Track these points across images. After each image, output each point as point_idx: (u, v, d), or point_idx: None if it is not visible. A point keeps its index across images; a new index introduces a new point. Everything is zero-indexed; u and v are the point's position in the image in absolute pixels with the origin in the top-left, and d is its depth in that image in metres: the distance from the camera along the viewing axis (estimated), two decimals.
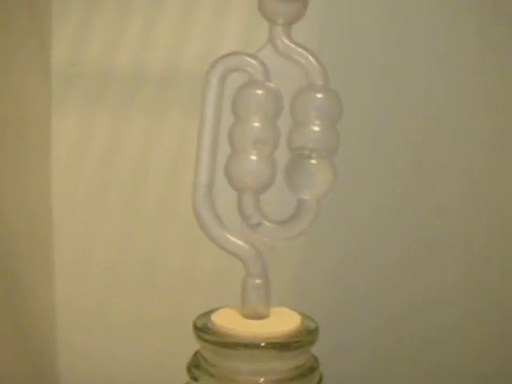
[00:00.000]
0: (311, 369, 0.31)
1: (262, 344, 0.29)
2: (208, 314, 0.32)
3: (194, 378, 0.30)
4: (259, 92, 0.30)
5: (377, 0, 0.48)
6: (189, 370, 0.31)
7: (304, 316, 0.32)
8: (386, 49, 0.48)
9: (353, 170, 0.46)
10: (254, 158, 0.30)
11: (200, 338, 0.30)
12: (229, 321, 0.30)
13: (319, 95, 0.30)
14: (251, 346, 0.29)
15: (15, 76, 0.44)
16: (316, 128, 0.30)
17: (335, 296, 0.49)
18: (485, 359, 0.51)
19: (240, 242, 0.31)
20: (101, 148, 0.49)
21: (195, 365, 0.31)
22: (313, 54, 0.31)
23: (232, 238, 0.31)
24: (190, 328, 0.31)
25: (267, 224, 0.31)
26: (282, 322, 0.31)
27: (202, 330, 0.30)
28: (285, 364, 0.30)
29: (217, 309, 0.32)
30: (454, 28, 0.48)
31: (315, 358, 0.31)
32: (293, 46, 0.31)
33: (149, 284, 0.50)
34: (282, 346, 0.29)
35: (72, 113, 0.49)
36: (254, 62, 0.31)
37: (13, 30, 0.44)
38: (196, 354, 0.31)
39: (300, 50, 0.31)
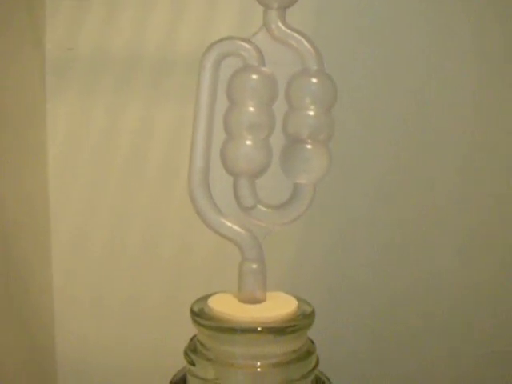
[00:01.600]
0: (308, 353, 0.31)
1: (259, 328, 0.29)
2: (205, 298, 0.32)
3: (191, 363, 0.31)
4: (254, 77, 0.30)
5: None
6: (186, 354, 0.31)
7: (300, 300, 0.32)
8: (382, 32, 0.48)
9: (345, 151, 0.46)
10: (248, 142, 0.30)
11: (197, 323, 0.30)
12: (225, 305, 0.31)
13: (314, 80, 0.30)
14: (248, 330, 0.29)
15: (8, 62, 0.44)
16: (311, 113, 0.30)
17: (331, 280, 0.50)
18: (484, 342, 0.51)
19: (236, 227, 0.31)
20: (97, 134, 0.49)
21: (192, 349, 0.31)
22: (307, 39, 0.31)
23: (228, 223, 0.31)
24: (188, 312, 0.31)
25: (263, 209, 0.31)
26: (279, 306, 0.31)
27: (199, 315, 0.30)
28: (281, 348, 0.30)
29: (213, 293, 0.32)
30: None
31: (312, 342, 0.32)
32: (288, 30, 0.31)
33: (146, 269, 0.50)
34: (278, 330, 0.30)
35: (67, 99, 0.49)
36: (248, 46, 0.31)
37: (5, 14, 0.44)
38: (193, 338, 0.31)
39: (295, 34, 0.31)
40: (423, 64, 0.48)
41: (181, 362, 0.32)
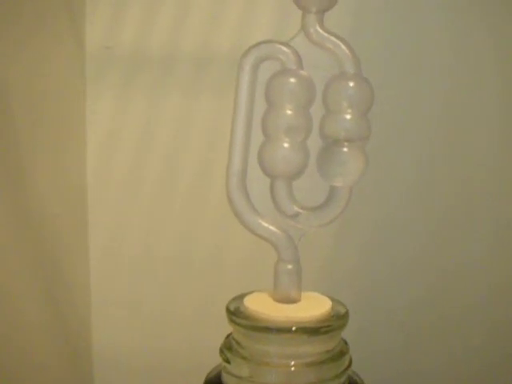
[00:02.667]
0: (341, 353, 0.31)
1: (293, 328, 0.30)
2: (240, 297, 0.32)
3: (226, 360, 0.31)
4: (292, 80, 0.31)
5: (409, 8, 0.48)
6: (221, 352, 0.31)
7: (334, 301, 0.32)
8: (418, 37, 0.48)
9: (378, 151, 0.46)
10: (286, 145, 0.31)
11: (233, 322, 0.31)
12: (261, 305, 0.31)
13: (351, 84, 0.31)
14: (282, 330, 0.30)
15: (49, 60, 0.45)
16: (348, 116, 0.30)
17: (365, 280, 0.50)
18: None
19: (272, 228, 0.31)
20: (135, 130, 0.50)
21: (227, 347, 0.31)
22: (345, 43, 0.31)
23: (264, 224, 0.31)
24: (222, 312, 0.31)
25: (299, 210, 0.31)
26: (313, 306, 0.31)
27: (235, 313, 0.31)
28: (315, 348, 0.30)
29: (249, 292, 0.33)
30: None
31: (345, 343, 0.32)
32: (325, 34, 0.31)
33: (181, 269, 0.51)
34: (312, 330, 0.30)
35: (106, 95, 0.49)
36: (286, 50, 0.31)
37: (46, 13, 0.44)
38: (228, 336, 0.32)
39: (332, 38, 0.31)
40: (454, 64, 0.48)
41: (215, 362, 0.32)
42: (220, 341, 0.32)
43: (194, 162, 0.50)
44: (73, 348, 0.49)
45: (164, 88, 0.49)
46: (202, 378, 0.33)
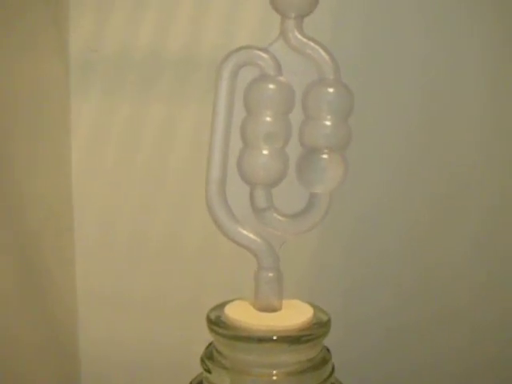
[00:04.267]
0: (323, 361, 0.31)
1: (274, 337, 0.29)
2: (221, 306, 0.32)
3: (208, 370, 0.31)
4: (271, 86, 0.30)
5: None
6: (202, 361, 0.31)
7: (316, 308, 0.32)
8: (398, 42, 0.48)
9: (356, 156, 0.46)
10: (265, 152, 0.30)
11: (213, 331, 0.30)
12: (242, 314, 0.31)
13: (331, 90, 0.30)
14: (263, 339, 0.30)
15: (33, 63, 0.45)
16: (327, 123, 0.30)
17: (347, 285, 0.50)
18: (504, 330, 0.51)
19: (252, 236, 0.31)
20: (120, 134, 0.50)
21: (208, 357, 0.31)
22: (324, 48, 0.31)
23: (244, 232, 0.31)
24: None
25: (279, 217, 0.31)
26: (295, 314, 0.31)
27: (216, 323, 0.31)
28: (297, 357, 0.30)
29: (230, 301, 0.32)
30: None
31: (327, 350, 0.32)
32: (304, 39, 0.31)
33: (168, 269, 0.50)
34: (293, 339, 0.30)
35: (91, 99, 0.49)
36: (265, 56, 0.31)
37: (29, 15, 0.44)
38: (209, 346, 0.32)
39: (312, 43, 0.31)
40: (434, 64, 0.48)
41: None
42: (206, 342, 0.32)
43: (178, 166, 0.50)
44: (59, 347, 0.49)
45: (148, 92, 0.49)
46: (191, 374, 0.33)
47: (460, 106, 0.49)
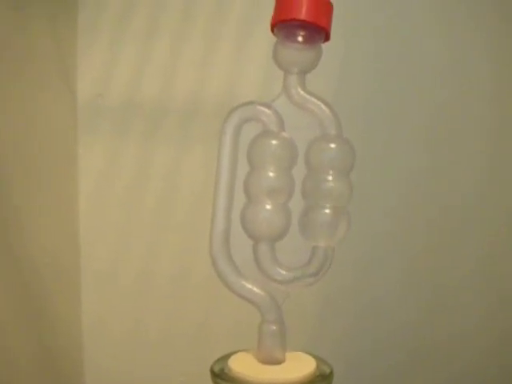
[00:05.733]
0: None
1: None
2: (225, 358, 0.32)
3: None
4: (274, 142, 0.31)
5: (390, 48, 0.48)
6: None
7: (319, 360, 0.32)
8: (401, 97, 0.48)
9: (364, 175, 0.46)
10: (268, 207, 0.31)
11: None
12: (245, 366, 0.31)
13: (332, 145, 0.31)
14: None
15: (41, 107, 0.45)
16: (329, 178, 0.31)
17: (353, 337, 0.50)
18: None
19: (255, 289, 0.31)
20: (127, 177, 0.50)
21: None
22: (326, 104, 0.31)
23: (248, 286, 0.31)
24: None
25: (282, 272, 0.31)
26: (298, 367, 0.31)
27: (219, 376, 0.31)
28: None
29: (234, 353, 0.33)
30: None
31: None
32: (307, 95, 0.31)
33: (174, 310, 0.51)
34: None
35: (98, 143, 0.50)
36: (268, 111, 0.31)
37: (38, 61, 0.45)
38: None
39: (314, 99, 0.31)
40: (436, 114, 0.49)
41: None
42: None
43: (183, 209, 0.50)
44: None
45: (155, 137, 0.50)
46: None
47: (461, 151, 0.49)
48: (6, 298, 0.42)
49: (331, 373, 0.31)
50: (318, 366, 0.32)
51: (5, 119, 0.41)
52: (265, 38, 0.46)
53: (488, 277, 0.50)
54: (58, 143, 0.48)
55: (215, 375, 0.31)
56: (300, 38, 0.31)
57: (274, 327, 0.31)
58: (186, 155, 0.49)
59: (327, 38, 0.32)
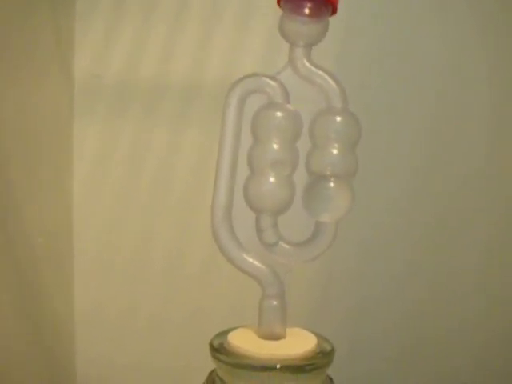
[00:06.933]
0: None
1: (278, 366, 0.29)
2: (225, 333, 0.32)
3: None
4: (278, 114, 0.30)
5: (397, 22, 0.48)
6: None
7: (320, 337, 0.32)
8: (406, 69, 0.48)
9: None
10: (272, 179, 0.30)
11: (216, 358, 0.30)
12: (245, 341, 0.30)
13: (338, 118, 0.30)
14: (267, 368, 0.29)
15: (37, 87, 0.45)
16: (335, 151, 0.30)
17: (352, 313, 0.49)
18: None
19: (257, 264, 0.31)
20: (123, 159, 0.50)
21: None
22: (332, 77, 0.31)
23: (249, 259, 0.31)
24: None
25: (285, 246, 0.31)
26: (298, 343, 0.31)
27: (218, 350, 0.30)
28: None
29: (233, 328, 0.32)
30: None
31: (330, 379, 0.31)
32: (313, 68, 0.31)
33: (169, 292, 0.50)
34: (297, 368, 0.29)
35: (94, 124, 0.49)
36: (273, 83, 0.31)
37: (35, 42, 0.44)
38: (212, 373, 0.31)
39: (320, 72, 0.31)
40: (443, 91, 0.48)
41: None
42: (207, 364, 0.31)
43: (179, 189, 0.50)
44: (56, 367, 0.49)
45: (152, 118, 0.49)
46: None
47: (469, 123, 0.49)
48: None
49: (332, 350, 0.31)
50: (318, 343, 0.31)
51: (0, 99, 0.41)
52: (265, 17, 0.47)
53: (490, 269, 0.50)
54: (53, 125, 0.48)
55: (214, 350, 0.30)
56: (307, 11, 0.31)
57: (275, 302, 0.31)
58: (184, 137, 0.49)
59: (334, 11, 0.31)
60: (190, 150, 0.49)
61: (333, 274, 0.48)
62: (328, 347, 0.31)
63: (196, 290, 0.50)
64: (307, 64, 0.31)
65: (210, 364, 0.31)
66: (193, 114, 0.48)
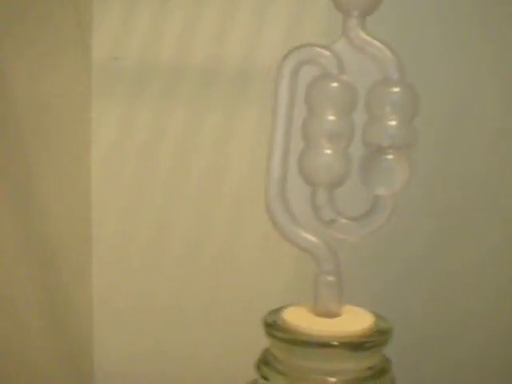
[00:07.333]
0: (383, 370, 0.30)
1: (335, 343, 0.28)
2: (277, 311, 0.31)
3: (264, 377, 0.30)
4: (334, 85, 0.30)
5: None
6: (258, 367, 0.30)
7: (377, 316, 0.31)
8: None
9: None
10: (328, 151, 0.29)
11: (271, 335, 0.29)
12: (300, 318, 0.30)
13: (395, 89, 0.30)
14: (323, 344, 0.29)
15: (56, 70, 0.44)
16: (392, 123, 0.29)
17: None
18: None
19: (312, 238, 0.30)
20: (141, 142, 0.49)
21: (265, 362, 0.30)
22: (389, 47, 0.30)
23: (304, 234, 0.30)
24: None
25: (342, 220, 0.30)
26: (355, 321, 0.30)
27: (273, 326, 0.30)
28: (357, 364, 0.29)
29: (286, 306, 0.31)
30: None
31: (387, 360, 0.31)
32: (368, 38, 0.30)
33: (186, 280, 0.49)
34: (355, 345, 0.29)
35: (112, 106, 0.49)
36: (327, 53, 0.30)
37: (53, 24, 0.44)
38: (266, 351, 0.31)
39: (375, 42, 0.30)
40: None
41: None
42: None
43: (200, 174, 0.49)
44: (74, 362, 0.49)
45: (171, 100, 0.48)
46: None
47: (478, 120, 0.47)
48: (17, 266, 0.41)
49: (390, 328, 0.30)
50: (375, 321, 0.30)
51: (19, 81, 0.40)
52: None
53: (497, 265, 0.48)
54: (71, 107, 0.47)
55: (269, 326, 0.30)
56: None
57: (331, 278, 0.30)
58: (203, 120, 0.48)
59: None
60: (209, 133, 0.48)
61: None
62: (385, 325, 0.30)
63: (213, 279, 0.49)
64: (362, 34, 0.30)
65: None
66: (212, 97, 0.47)
